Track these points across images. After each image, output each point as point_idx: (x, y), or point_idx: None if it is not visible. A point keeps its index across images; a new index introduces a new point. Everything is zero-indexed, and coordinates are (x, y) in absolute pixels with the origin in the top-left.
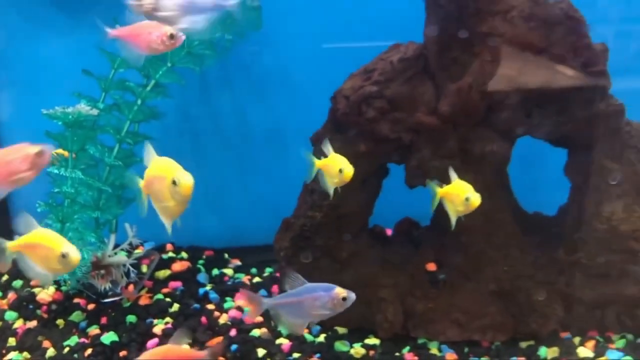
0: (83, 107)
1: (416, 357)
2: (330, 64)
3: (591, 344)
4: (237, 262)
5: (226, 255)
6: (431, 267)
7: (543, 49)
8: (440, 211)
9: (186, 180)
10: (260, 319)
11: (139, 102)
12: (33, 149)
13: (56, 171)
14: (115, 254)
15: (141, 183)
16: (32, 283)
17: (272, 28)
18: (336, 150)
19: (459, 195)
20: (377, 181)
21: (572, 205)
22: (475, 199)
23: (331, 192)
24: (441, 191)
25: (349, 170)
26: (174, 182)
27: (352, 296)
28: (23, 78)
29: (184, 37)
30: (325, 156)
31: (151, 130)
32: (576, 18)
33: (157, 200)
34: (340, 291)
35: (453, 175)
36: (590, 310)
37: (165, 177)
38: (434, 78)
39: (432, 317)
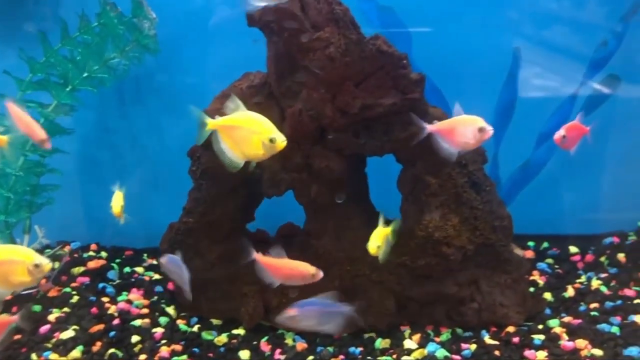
0: None
1: (269, 346)
2: None
3: (417, 336)
4: (153, 262)
5: (145, 255)
6: None
7: (362, 80)
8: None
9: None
10: (146, 310)
11: (42, 120)
12: None
13: None
14: None
15: (213, 123)
16: None
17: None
18: (205, 164)
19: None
20: (246, 191)
21: (402, 214)
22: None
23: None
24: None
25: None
26: (271, 140)
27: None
28: None
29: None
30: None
31: (71, 142)
32: (389, 53)
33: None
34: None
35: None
36: (422, 307)
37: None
38: (278, 103)
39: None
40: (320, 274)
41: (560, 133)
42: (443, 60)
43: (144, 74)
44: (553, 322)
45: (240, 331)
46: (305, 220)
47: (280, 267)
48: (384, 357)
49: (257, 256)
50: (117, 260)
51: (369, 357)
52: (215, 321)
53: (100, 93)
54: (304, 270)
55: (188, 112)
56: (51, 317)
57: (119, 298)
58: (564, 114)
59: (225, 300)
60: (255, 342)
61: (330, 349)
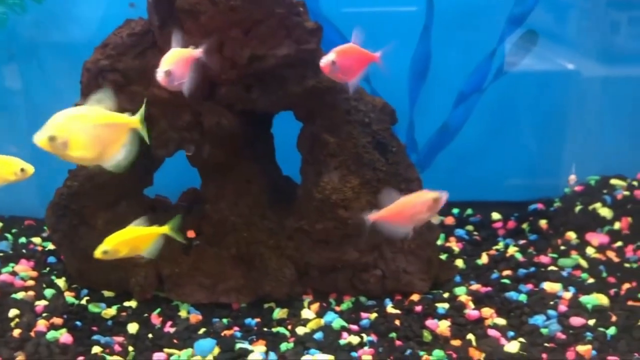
0: None
1: (160, 318)
2: None
3: (316, 306)
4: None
5: (45, 226)
6: (190, 234)
7: (251, 28)
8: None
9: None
10: (32, 282)
11: None
12: None
13: None
14: None
15: None
16: None
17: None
18: None
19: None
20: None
21: (301, 175)
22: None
23: None
24: None
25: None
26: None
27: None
28: None
29: None
30: None
31: None
32: None
33: None
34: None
35: None
36: (324, 274)
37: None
38: (163, 53)
39: (180, 280)
40: (444, 196)
41: (328, 58)
42: (354, 11)
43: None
44: (459, 290)
45: (132, 303)
46: (200, 184)
47: (399, 210)
48: (279, 328)
49: (372, 217)
50: (13, 231)
51: (264, 329)
52: (107, 293)
53: None
54: (425, 199)
55: None
56: None
57: (3, 270)
58: (483, 71)
59: (116, 271)
60: (146, 315)
61: (225, 320)
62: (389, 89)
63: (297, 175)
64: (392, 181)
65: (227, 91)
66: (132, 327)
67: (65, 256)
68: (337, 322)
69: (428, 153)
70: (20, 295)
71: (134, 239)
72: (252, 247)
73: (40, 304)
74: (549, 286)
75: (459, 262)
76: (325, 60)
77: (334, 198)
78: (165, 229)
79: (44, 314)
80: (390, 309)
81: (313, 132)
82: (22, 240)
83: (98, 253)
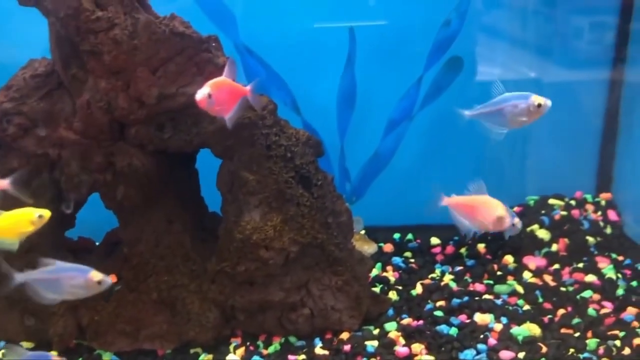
0: None
1: None
2: None
3: (242, 350)
4: None
5: None
6: (113, 278)
7: (158, 66)
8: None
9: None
10: None
11: None
12: None
13: None
14: None
15: None
16: None
17: None
18: None
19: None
20: (54, 194)
21: (222, 215)
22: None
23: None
24: None
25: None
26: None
27: (108, 281)
28: None
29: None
30: None
31: None
32: (187, 35)
33: None
34: (95, 275)
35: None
36: (252, 316)
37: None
38: (70, 94)
39: (101, 328)
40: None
41: (203, 92)
42: (279, 44)
43: None
44: (390, 326)
45: (53, 353)
46: (119, 227)
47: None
48: None
49: (447, 200)
50: None
51: None
52: (25, 344)
53: None
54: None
55: None
56: None
57: None
58: (411, 98)
59: (34, 320)
60: None
61: None
62: (320, 119)
63: None
64: (317, 215)
65: (137, 131)
66: None
67: None
68: None
69: (361, 181)
70: None
71: None
72: (174, 291)
73: None
74: (480, 318)
75: (392, 294)
76: (201, 94)
77: (254, 238)
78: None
79: None
80: (319, 349)
81: (231, 170)
82: None
83: None
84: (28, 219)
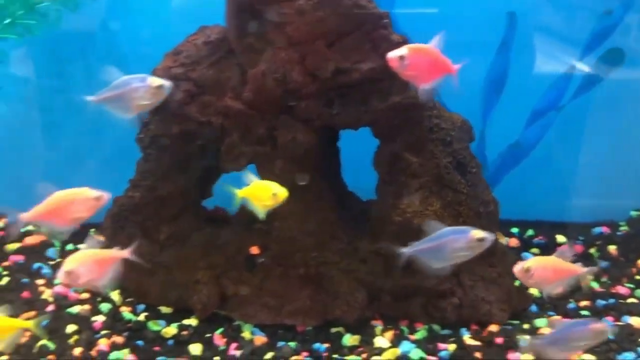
0: None
1: (224, 339)
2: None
3: (390, 333)
4: (100, 238)
5: (91, 231)
6: (254, 250)
7: (336, 40)
8: None
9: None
10: (86, 295)
11: None
12: None
13: None
14: None
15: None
16: None
17: None
18: (153, 131)
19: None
20: (202, 164)
21: (377, 196)
22: (282, 193)
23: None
24: (241, 192)
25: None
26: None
27: (489, 237)
28: None
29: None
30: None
31: None
32: (369, 9)
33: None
34: (475, 233)
35: (249, 177)
36: (397, 300)
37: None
38: (240, 63)
39: (244, 300)
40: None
41: (397, 52)
42: (429, 23)
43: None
44: (540, 322)
45: (192, 321)
46: None
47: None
48: (353, 357)
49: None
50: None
51: (335, 355)
52: (164, 309)
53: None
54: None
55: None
56: None
57: (56, 281)
58: (559, 90)
59: (175, 287)
60: (208, 335)
61: (292, 344)
62: (459, 102)
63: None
64: (472, 204)
65: (306, 106)
66: (195, 348)
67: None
68: (416, 353)
69: (498, 170)
70: (76, 309)
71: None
72: (322, 268)
73: (98, 319)
74: (635, 321)
75: (534, 290)
76: (393, 54)
77: (416, 222)
78: (28, 324)
79: (103, 331)
80: (468, 339)
81: (393, 151)
82: (69, 247)
83: None
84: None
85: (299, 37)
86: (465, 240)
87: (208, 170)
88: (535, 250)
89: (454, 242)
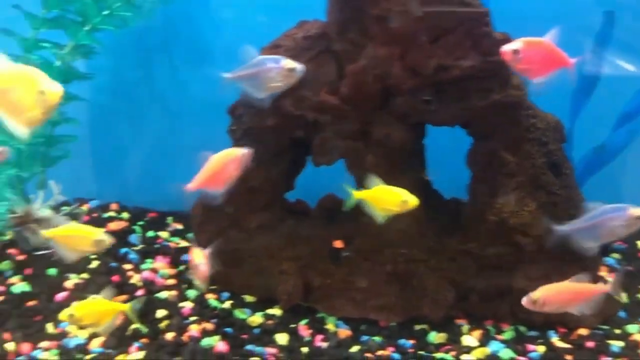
0: None
1: (310, 331)
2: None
3: (478, 333)
4: (178, 226)
5: (169, 219)
6: (338, 244)
7: (438, 37)
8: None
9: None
10: (172, 281)
11: (58, 63)
12: None
13: None
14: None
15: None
16: None
17: None
18: (247, 123)
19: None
20: (290, 156)
21: (470, 194)
22: (413, 201)
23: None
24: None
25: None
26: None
27: None
28: None
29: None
30: None
31: (82, 91)
32: (473, 5)
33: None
34: (634, 210)
35: (373, 180)
36: (484, 299)
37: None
38: (338, 58)
39: (329, 292)
40: None
41: (512, 46)
42: (522, 19)
43: (175, 16)
44: (632, 328)
45: (276, 311)
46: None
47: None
48: (441, 354)
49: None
50: (140, 223)
51: (422, 352)
52: (248, 298)
53: (120, 36)
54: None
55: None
56: (68, 284)
57: (143, 266)
58: None
59: (261, 276)
60: (293, 325)
61: (377, 338)
62: (545, 101)
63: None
64: (565, 206)
65: (404, 102)
66: (282, 338)
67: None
68: (505, 353)
69: (583, 172)
70: (164, 294)
71: (100, 311)
72: (411, 265)
73: (185, 305)
74: None
75: (622, 296)
76: (507, 47)
77: (512, 222)
78: (125, 307)
79: (192, 317)
80: (556, 341)
81: (490, 150)
82: (150, 234)
83: (63, 315)
84: (398, 199)
85: (403, 33)
86: (624, 218)
87: (294, 163)
88: (616, 255)
89: (611, 221)
